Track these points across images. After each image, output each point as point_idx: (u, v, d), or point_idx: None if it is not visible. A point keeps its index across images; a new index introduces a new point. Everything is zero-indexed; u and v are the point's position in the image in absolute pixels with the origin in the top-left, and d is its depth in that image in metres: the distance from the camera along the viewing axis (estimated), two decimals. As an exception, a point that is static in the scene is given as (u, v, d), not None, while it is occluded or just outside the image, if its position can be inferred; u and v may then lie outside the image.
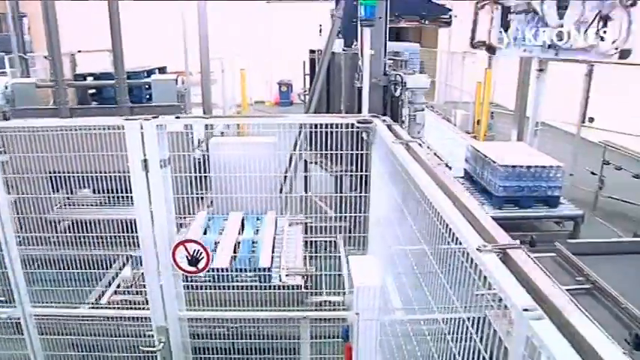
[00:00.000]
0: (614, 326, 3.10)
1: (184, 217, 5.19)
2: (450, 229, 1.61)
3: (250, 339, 4.22)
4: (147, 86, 7.74)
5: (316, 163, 6.91)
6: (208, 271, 3.92)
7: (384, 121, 3.09)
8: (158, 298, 3.76)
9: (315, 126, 4.94)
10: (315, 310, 3.86)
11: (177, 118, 3.60)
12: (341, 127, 3.50)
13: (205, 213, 5.48)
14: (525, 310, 1.14)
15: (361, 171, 3.86)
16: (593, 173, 8.51)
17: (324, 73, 6.72)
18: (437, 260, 1.80)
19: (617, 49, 4.82)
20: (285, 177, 6.85)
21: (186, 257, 3.68)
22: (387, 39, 6.60)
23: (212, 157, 5.83)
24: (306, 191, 7.40)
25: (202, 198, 6.70)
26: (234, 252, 4.81)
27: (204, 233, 5.18)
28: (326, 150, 4.30)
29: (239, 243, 4.97)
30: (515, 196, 5.94)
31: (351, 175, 4.54)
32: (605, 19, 4.65)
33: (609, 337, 2.76)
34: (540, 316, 1.12)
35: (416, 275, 2.14)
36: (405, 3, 8.95)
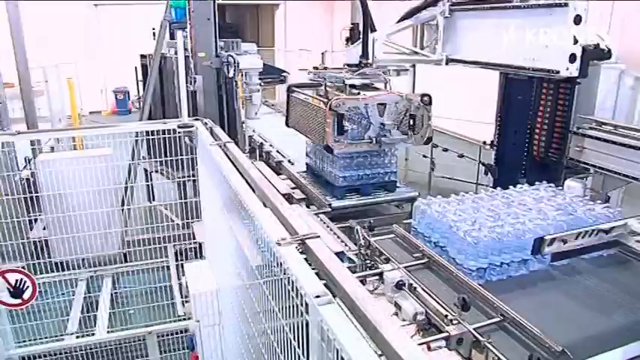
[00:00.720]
0: (448, 292, 3.31)
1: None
2: (257, 226, 1.63)
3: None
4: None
5: (157, 171, 6.66)
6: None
7: (205, 123, 3.05)
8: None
9: (150, 133, 4.76)
10: (157, 324, 3.72)
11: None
12: (168, 133, 3.40)
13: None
14: (317, 296, 1.19)
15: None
16: (424, 156, 9.22)
17: (155, 78, 6.49)
18: (253, 259, 1.81)
19: (422, 137, 5.66)
20: (126, 188, 6.53)
21: (8, 289, 3.35)
22: (218, 40, 6.54)
23: (42, 176, 5.38)
24: (150, 201, 7.13)
25: (36, 220, 6.15)
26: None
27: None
28: (164, 157, 4.16)
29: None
30: (356, 185, 6.16)
31: (194, 181, 4.46)
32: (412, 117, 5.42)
33: (443, 303, 2.99)
34: (329, 301, 1.17)
35: (240, 275, 2.14)
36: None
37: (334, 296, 1.24)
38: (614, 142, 5.07)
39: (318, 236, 1.50)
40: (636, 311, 2.49)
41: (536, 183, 3.90)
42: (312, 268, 1.34)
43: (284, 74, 11.11)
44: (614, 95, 6.34)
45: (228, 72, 6.28)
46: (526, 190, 3.62)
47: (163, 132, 3.57)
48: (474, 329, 2.78)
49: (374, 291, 3.75)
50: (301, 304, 1.29)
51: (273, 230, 1.56)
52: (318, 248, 1.46)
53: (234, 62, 6.21)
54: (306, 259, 1.39)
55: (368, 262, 4.31)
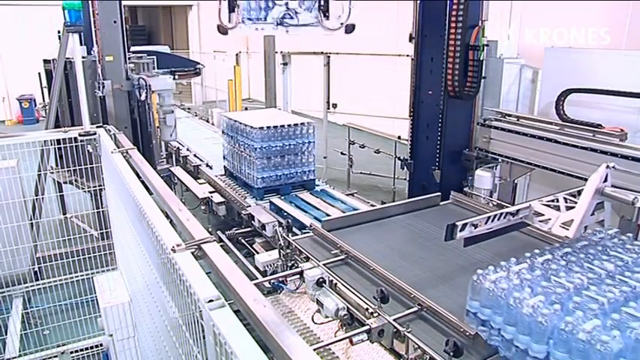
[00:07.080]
0: (367, 286, 3.36)
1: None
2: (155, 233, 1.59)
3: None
4: None
5: (67, 182, 6.37)
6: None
7: (108, 131, 2.95)
8: None
9: (57, 142, 4.52)
10: (73, 342, 3.55)
11: None
12: (69, 142, 3.26)
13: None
14: (210, 300, 1.18)
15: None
16: (342, 154, 9.35)
17: (60, 84, 6.18)
18: (157, 268, 1.77)
19: (342, 24, 5.15)
20: (35, 201, 6.18)
21: None
22: (127, 43, 6.33)
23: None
24: (64, 213, 6.79)
25: None
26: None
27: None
28: (71, 167, 3.97)
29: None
30: (275, 185, 6.20)
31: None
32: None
33: (363, 297, 3.02)
34: (221, 304, 1.16)
35: (147, 285, 2.08)
36: (159, 59, 9.21)
37: (229, 300, 1.23)
38: (517, 132, 5.37)
39: (214, 240, 1.49)
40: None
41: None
42: (207, 273, 1.32)
43: (199, 66, 10.97)
44: (516, 87, 6.73)
45: (140, 95, 6.08)
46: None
47: (65, 141, 3.39)
48: (394, 320, 2.86)
49: (296, 290, 3.77)
50: (196, 310, 1.28)
51: (169, 236, 1.53)
52: (213, 252, 1.44)
53: (146, 84, 6.03)
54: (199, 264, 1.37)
55: (288, 261, 4.32)
